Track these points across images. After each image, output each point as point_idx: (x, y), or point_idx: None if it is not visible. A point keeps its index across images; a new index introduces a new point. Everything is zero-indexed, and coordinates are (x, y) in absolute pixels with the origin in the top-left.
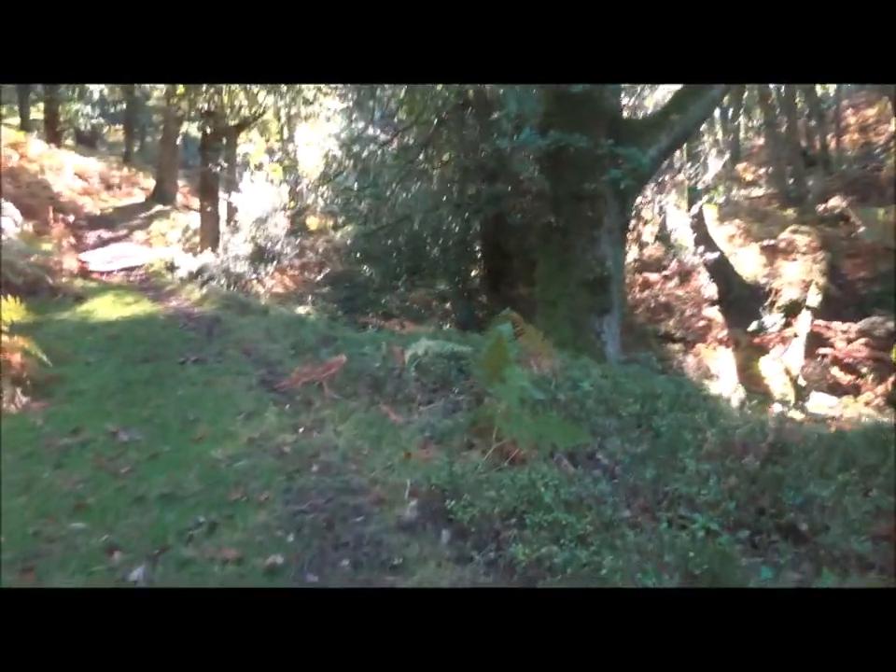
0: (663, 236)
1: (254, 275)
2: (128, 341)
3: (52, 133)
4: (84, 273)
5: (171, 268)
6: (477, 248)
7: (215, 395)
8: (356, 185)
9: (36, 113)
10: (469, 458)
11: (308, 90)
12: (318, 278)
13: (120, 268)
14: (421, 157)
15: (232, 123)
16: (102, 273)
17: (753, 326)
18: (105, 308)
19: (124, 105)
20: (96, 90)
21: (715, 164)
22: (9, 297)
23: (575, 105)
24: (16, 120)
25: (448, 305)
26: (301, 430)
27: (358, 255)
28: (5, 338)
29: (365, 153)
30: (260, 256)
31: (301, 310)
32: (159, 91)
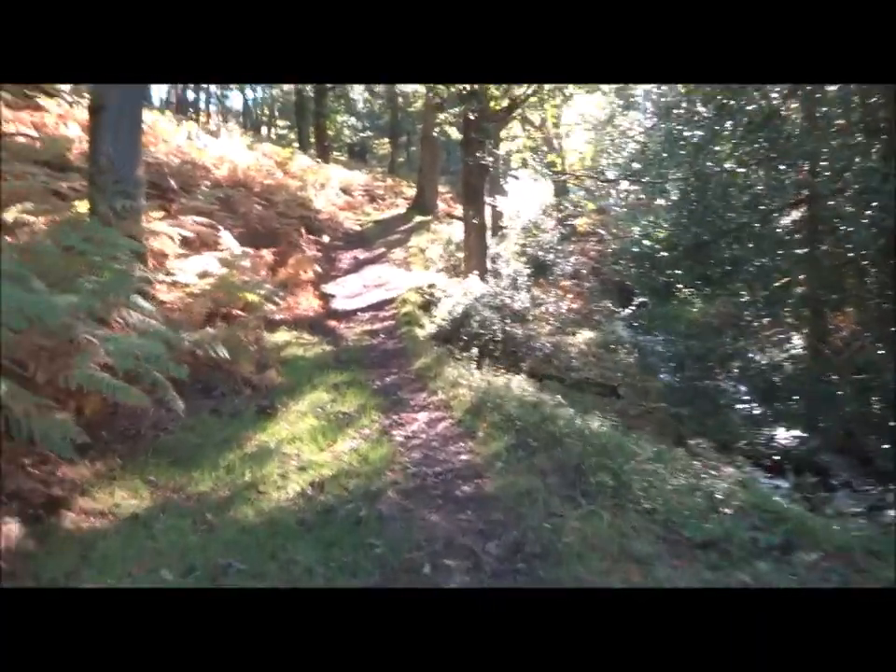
0: None
1: (533, 306)
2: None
3: (321, 149)
4: (319, 319)
5: (427, 306)
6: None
7: None
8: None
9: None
10: None
11: None
12: (624, 309)
13: (368, 305)
14: None
15: (497, 108)
16: (341, 321)
17: None
18: (297, 441)
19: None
20: (360, 100)
21: None
22: None
23: None
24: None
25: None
26: None
27: (678, 270)
28: None
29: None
30: (539, 271)
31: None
32: (421, 92)
